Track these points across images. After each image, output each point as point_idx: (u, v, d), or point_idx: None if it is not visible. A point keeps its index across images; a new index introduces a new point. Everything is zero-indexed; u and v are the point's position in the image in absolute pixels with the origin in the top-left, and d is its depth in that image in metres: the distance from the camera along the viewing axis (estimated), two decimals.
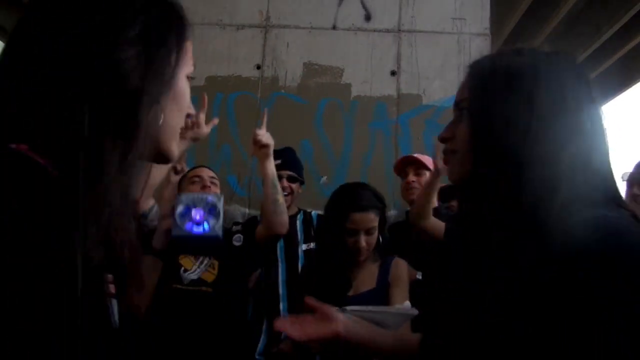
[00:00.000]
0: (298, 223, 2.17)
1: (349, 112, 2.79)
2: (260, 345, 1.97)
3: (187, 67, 0.60)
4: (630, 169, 1.91)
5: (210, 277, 1.75)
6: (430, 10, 2.89)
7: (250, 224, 1.99)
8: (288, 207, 2.09)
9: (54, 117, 0.47)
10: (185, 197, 1.53)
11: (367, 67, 2.84)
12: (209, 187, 1.89)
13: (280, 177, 2.08)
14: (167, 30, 0.55)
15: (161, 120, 0.55)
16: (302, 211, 2.22)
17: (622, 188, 1.79)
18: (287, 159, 2.20)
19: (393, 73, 2.82)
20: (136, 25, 0.51)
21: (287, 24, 2.91)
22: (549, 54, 0.72)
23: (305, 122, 2.77)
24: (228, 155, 2.72)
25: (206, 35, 2.90)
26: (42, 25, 0.51)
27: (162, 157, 0.61)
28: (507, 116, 0.66)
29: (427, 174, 2.08)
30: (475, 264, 0.71)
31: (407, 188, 2.08)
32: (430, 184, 1.76)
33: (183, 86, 0.59)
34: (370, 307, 1.40)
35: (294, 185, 2.16)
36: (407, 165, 2.11)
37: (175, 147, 0.61)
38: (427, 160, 2.13)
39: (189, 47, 0.60)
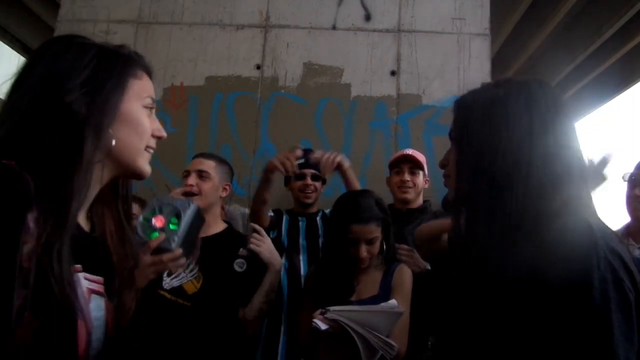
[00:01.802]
0: (318, 220, 2.25)
1: (349, 112, 2.79)
2: (281, 348, 1.95)
3: (138, 99, 0.76)
4: (631, 169, 1.90)
5: (191, 289, 1.63)
6: (430, 10, 2.89)
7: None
8: (313, 204, 2.21)
9: (27, 143, 0.64)
10: (155, 201, 1.28)
11: (367, 67, 2.84)
12: (193, 186, 1.75)
13: (304, 176, 2.18)
14: (107, 76, 0.72)
15: (114, 142, 0.71)
16: (321, 210, 2.28)
17: (624, 189, 1.79)
18: (309, 158, 2.19)
19: (393, 73, 2.82)
20: (82, 74, 0.69)
21: (287, 24, 2.91)
22: (521, 83, 0.81)
23: (305, 122, 2.78)
24: (228, 155, 2.71)
25: (206, 35, 2.90)
26: (28, 73, 0.70)
27: (134, 174, 0.77)
28: (481, 142, 0.76)
29: (421, 173, 2.11)
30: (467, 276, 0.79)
31: (400, 186, 2.09)
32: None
33: (134, 114, 0.74)
34: (352, 307, 1.39)
35: (317, 184, 2.22)
36: (404, 162, 2.11)
37: (143, 164, 0.77)
38: (423, 159, 2.14)
39: (136, 83, 0.76)
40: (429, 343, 1.71)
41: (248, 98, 2.83)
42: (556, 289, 0.66)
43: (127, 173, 0.77)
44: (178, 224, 1.17)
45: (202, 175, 1.79)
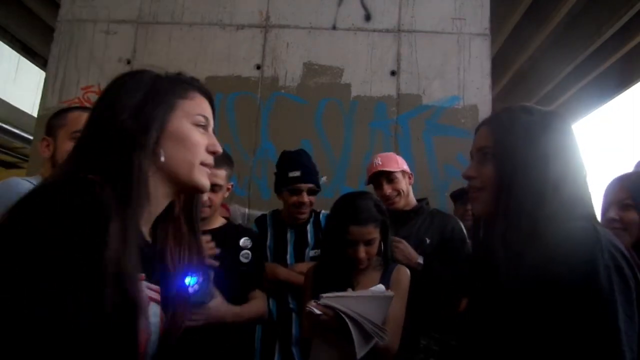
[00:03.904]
0: (309, 227, 2.07)
1: (349, 112, 2.79)
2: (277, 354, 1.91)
3: (186, 117, 0.81)
4: (630, 168, 1.91)
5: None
6: (430, 10, 2.90)
7: (259, 243, 1.87)
8: (305, 219, 2.03)
9: (97, 162, 0.72)
10: None
11: (367, 67, 2.84)
12: (206, 201, 1.68)
13: (299, 191, 1.97)
14: (155, 98, 0.78)
15: (162, 158, 0.76)
16: (313, 213, 2.10)
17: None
18: (306, 169, 2.02)
19: (393, 73, 2.83)
20: (135, 97, 0.77)
21: (287, 24, 2.91)
22: (548, 114, 0.96)
23: (305, 122, 2.78)
24: None
25: (206, 35, 2.90)
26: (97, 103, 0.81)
27: (192, 188, 0.82)
28: (526, 162, 0.89)
29: (400, 175, 2.01)
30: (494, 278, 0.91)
31: (386, 199, 1.99)
32: None
33: (181, 130, 0.79)
34: (343, 293, 1.42)
35: (313, 198, 2.01)
36: (379, 177, 2.02)
37: (200, 178, 0.80)
38: (395, 161, 2.04)
39: (185, 103, 0.81)
40: (421, 345, 1.72)
41: (248, 98, 2.83)
42: (565, 280, 0.78)
43: (185, 188, 0.81)
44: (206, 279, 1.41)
45: (214, 189, 1.69)
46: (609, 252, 0.79)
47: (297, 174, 1.98)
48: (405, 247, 1.84)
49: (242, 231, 1.85)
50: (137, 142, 0.73)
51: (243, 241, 1.76)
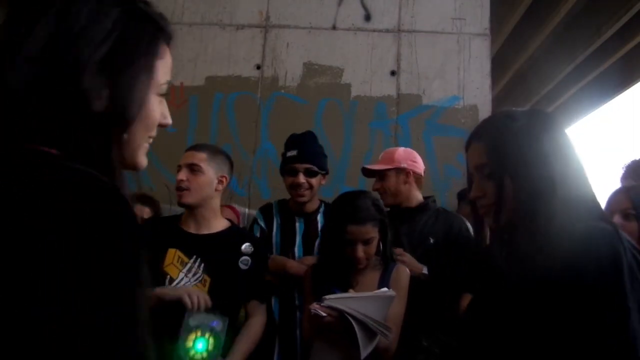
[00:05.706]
0: (319, 217, 1.99)
1: (349, 112, 2.79)
2: (276, 354, 1.88)
3: (156, 88, 0.60)
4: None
5: None
6: (430, 10, 2.89)
7: (261, 250, 1.77)
8: (309, 201, 1.94)
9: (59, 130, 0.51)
10: (192, 320, 1.45)
11: (367, 67, 2.84)
12: (183, 181, 1.64)
13: (295, 172, 1.88)
14: (132, 55, 0.55)
15: (126, 137, 0.57)
16: (323, 203, 2.04)
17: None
18: (305, 149, 1.93)
19: (393, 73, 2.82)
20: (100, 48, 0.52)
21: (286, 24, 2.91)
22: (532, 115, 0.95)
23: (305, 122, 2.77)
24: None
25: (206, 35, 2.90)
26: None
27: (129, 167, 0.63)
28: (524, 164, 0.89)
29: (392, 174, 1.97)
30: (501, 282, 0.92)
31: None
32: None
33: (149, 106, 0.59)
34: (347, 294, 1.43)
35: (313, 180, 1.90)
36: (372, 172, 2.03)
37: (142, 156, 0.63)
38: (388, 160, 2.00)
39: (160, 66, 0.60)
40: (423, 345, 1.71)
41: (248, 98, 2.83)
42: (587, 278, 0.79)
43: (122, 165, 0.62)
44: (216, 344, 1.46)
45: (193, 169, 1.65)
46: (631, 252, 0.81)
47: (293, 153, 1.91)
48: (409, 260, 1.80)
49: (246, 236, 1.78)
50: (115, 125, 0.54)
51: (245, 247, 1.69)
